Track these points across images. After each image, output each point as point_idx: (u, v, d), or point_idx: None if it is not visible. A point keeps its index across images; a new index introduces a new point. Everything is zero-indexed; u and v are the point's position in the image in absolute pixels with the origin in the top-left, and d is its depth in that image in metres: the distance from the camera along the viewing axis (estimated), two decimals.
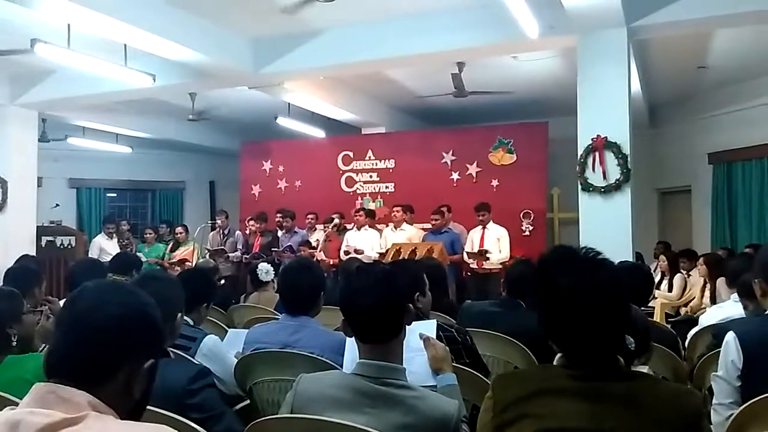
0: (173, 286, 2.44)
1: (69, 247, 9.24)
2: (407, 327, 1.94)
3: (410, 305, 1.93)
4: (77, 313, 1.20)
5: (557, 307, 1.47)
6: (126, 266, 4.80)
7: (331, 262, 7.77)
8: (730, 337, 2.23)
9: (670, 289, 6.92)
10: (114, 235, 9.40)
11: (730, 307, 3.59)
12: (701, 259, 6.59)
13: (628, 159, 5.43)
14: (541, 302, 1.51)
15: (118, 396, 1.16)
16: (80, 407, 1.10)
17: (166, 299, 2.26)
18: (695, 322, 6.15)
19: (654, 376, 1.81)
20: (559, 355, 1.52)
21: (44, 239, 9.18)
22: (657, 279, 7.26)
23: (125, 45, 6.19)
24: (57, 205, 11.14)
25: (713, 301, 6.16)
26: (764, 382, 2.07)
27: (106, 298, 1.21)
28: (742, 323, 2.72)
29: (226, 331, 3.68)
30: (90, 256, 8.43)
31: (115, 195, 13.35)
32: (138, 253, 8.00)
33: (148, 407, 1.72)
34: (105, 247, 9.02)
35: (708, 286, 6.31)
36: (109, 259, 6.12)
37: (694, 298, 6.62)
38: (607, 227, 5.29)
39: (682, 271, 7.04)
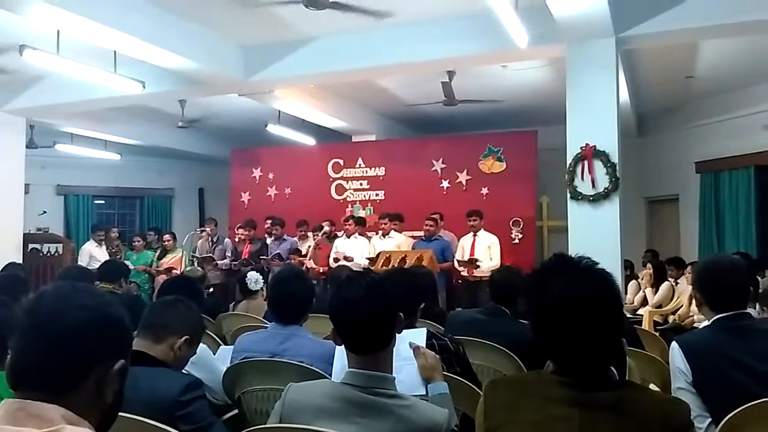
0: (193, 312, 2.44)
1: (56, 254, 9.19)
2: (397, 335, 1.93)
3: (401, 314, 1.92)
4: (40, 321, 1.15)
5: (549, 314, 1.46)
6: (114, 273, 4.76)
7: (321, 270, 7.73)
8: (675, 346, 2.25)
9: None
10: (103, 242, 9.35)
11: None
12: (689, 267, 6.63)
13: (617, 167, 5.46)
14: (533, 309, 1.50)
15: (90, 402, 1.14)
16: (53, 422, 1.06)
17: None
18: (683, 330, 6.21)
19: (643, 386, 1.81)
20: (549, 362, 1.52)
21: (31, 246, 9.12)
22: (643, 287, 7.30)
23: (115, 51, 6.17)
24: (44, 212, 11.07)
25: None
26: (716, 392, 2.10)
27: (68, 302, 1.17)
28: (688, 334, 2.77)
29: (214, 339, 3.67)
30: (79, 263, 8.37)
31: (103, 202, 13.28)
32: (126, 261, 7.94)
33: (137, 417, 1.72)
34: (95, 254, 8.95)
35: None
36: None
37: (682, 305, 6.66)
38: (595, 235, 5.31)
39: (669, 279, 7.07)
